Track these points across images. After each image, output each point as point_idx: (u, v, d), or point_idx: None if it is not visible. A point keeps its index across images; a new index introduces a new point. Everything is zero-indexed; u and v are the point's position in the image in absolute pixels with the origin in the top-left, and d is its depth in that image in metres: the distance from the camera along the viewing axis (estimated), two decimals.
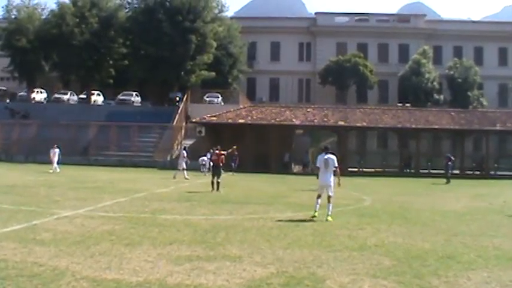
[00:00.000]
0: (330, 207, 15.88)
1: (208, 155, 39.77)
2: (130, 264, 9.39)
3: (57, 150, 38.63)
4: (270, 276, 8.79)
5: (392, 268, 9.63)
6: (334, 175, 16.40)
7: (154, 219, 14.99)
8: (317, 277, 8.80)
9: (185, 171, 35.49)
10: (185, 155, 36.84)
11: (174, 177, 34.17)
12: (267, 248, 11.22)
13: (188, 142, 53.06)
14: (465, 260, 10.49)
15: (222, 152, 26.46)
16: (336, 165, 16.29)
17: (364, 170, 49.49)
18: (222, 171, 26.33)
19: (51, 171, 35.89)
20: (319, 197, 16.28)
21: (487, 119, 51.87)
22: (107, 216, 15.38)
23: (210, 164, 33.65)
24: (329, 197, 16.05)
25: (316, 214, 15.89)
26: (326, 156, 16.22)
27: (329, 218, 15.47)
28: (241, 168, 42.75)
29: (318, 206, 16.05)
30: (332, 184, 16.34)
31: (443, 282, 8.68)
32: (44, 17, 67.68)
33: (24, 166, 37.69)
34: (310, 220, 15.59)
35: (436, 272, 9.37)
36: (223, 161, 26.55)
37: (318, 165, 16.41)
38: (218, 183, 25.20)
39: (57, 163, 37.97)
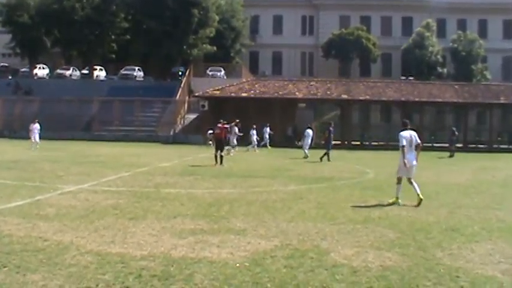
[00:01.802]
0: (417, 186, 13.96)
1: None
2: (134, 238, 9.42)
3: (37, 125, 36.52)
4: (274, 248, 8.81)
5: (396, 240, 9.64)
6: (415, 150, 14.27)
7: (157, 193, 15.01)
8: (321, 250, 8.81)
9: (235, 148, 35.25)
10: (237, 131, 36.00)
11: (228, 154, 32.00)
12: (271, 220, 11.24)
13: (191, 116, 53.11)
14: (469, 233, 10.50)
15: (225, 126, 26.43)
16: (419, 141, 14.30)
17: (367, 143, 49.45)
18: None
19: (33, 148, 34.14)
20: (401, 181, 14.19)
21: (491, 93, 51.63)
22: (110, 191, 15.41)
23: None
24: (409, 178, 14.20)
25: (398, 200, 14.00)
26: (410, 133, 14.17)
27: (421, 196, 13.77)
28: (245, 142, 42.69)
29: (399, 191, 14.11)
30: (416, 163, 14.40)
31: (447, 255, 8.69)
32: None
33: (27, 142, 37.68)
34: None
35: (440, 244, 9.38)
36: (226, 135, 26.54)
37: (404, 143, 13.89)
38: (221, 156, 25.25)
39: (39, 139, 35.92)
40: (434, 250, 8.96)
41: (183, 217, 11.42)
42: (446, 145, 40.39)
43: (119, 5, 63.92)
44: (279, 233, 10.07)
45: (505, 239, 10.04)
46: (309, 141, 33.35)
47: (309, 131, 33.77)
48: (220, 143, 25.77)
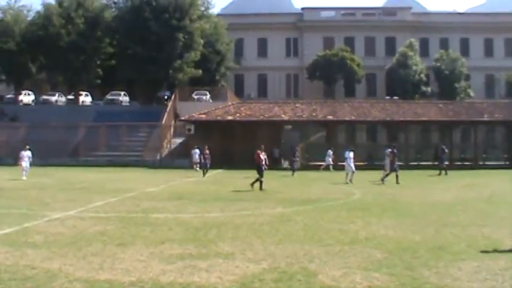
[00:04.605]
0: None
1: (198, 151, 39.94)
2: (122, 264, 9.42)
3: (28, 152, 34.00)
4: (262, 272, 8.85)
5: (384, 260, 9.71)
6: None
7: (145, 219, 15.00)
8: (309, 272, 8.86)
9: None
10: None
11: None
12: (259, 244, 11.27)
13: (177, 140, 53.02)
14: (455, 251, 10.59)
15: (259, 153, 26.18)
16: None
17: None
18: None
19: (24, 178, 31.70)
20: None
21: (475, 110, 52.08)
22: (98, 217, 15.38)
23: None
24: None
25: None
26: None
27: None
28: (231, 165, 42.72)
29: None
30: None
31: (434, 273, 8.76)
32: (29, 18, 67.19)
33: (13, 169, 37.41)
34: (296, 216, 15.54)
35: (426, 263, 9.46)
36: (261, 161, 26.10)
37: None
38: (261, 181, 25.17)
39: (29, 166, 33.74)
40: (421, 269, 9.04)
41: (171, 242, 11.44)
42: (432, 163, 40.50)
43: (104, 31, 63.96)
44: (267, 256, 10.11)
45: (491, 256, 10.13)
46: (352, 164, 31.25)
47: (351, 154, 31.91)
48: (260, 169, 25.64)
